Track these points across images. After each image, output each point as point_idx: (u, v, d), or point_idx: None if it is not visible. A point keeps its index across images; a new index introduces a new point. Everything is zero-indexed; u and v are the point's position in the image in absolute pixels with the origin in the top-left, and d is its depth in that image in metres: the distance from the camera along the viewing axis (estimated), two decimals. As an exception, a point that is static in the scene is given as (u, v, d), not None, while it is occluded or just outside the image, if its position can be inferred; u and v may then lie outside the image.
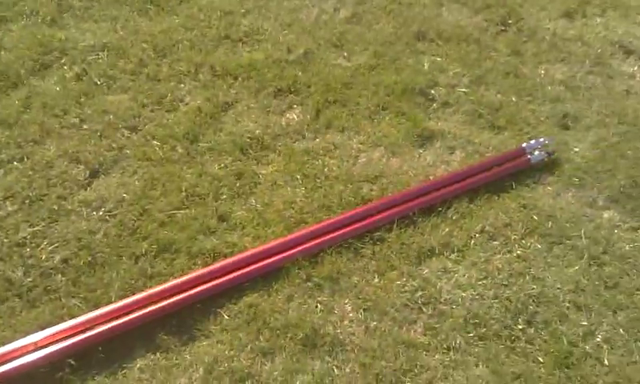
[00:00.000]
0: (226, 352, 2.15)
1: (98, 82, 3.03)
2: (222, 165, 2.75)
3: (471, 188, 2.73)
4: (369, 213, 2.57)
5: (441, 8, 3.79)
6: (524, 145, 2.90)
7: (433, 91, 3.22)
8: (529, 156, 2.86)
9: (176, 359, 2.13)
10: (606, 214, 2.70)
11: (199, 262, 2.39)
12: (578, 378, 2.16)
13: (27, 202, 2.52)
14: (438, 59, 3.41)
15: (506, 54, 3.48)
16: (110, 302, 2.22)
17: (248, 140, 2.86)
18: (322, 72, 3.24)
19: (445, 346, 2.24)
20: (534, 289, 2.41)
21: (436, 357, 2.21)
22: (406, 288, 2.38)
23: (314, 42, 3.42)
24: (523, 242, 2.58)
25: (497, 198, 2.73)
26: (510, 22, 3.71)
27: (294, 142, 2.90)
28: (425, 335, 2.26)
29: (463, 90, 3.25)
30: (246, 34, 3.42)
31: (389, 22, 3.62)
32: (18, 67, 3.04)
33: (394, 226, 2.54)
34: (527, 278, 2.46)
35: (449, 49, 3.49)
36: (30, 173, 2.62)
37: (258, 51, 3.33)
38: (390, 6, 3.73)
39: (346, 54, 3.41)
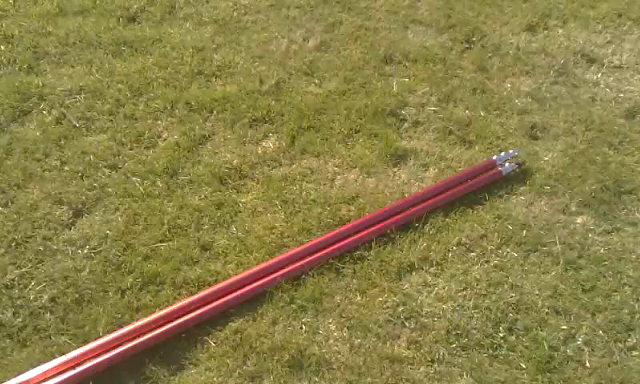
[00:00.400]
0: (214, 379, 2.19)
1: (77, 124, 3.08)
2: (202, 196, 2.80)
3: (446, 202, 2.81)
4: (348, 233, 2.64)
5: (406, 31, 3.90)
6: (494, 157, 2.98)
7: (403, 111, 3.31)
8: (500, 168, 2.94)
9: (165, 390, 2.17)
10: (579, 219, 2.78)
11: (184, 292, 2.44)
12: (561, 382, 2.22)
13: (13, 244, 2.56)
14: (406, 80, 3.51)
15: (472, 71, 3.59)
16: (99, 337, 2.25)
17: (226, 170, 2.92)
18: (295, 100, 3.33)
19: (429, 358, 2.29)
20: (512, 297, 2.47)
21: (421, 369, 2.26)
22: (388, 304, 2.44)
23: (285, 72, 3.51)
24: (499, 251, 2.65)
25: (471, 210, 2.81)
26: (474, 39, 3.82)
27: (272, 170, 2.97)
28: (408, 349, 2.32)
29: (432, 108, 3.34)
30: (218, 69, 3.50)
31: (357, 48, 3.72)
32: (-2, 115, 3.10)
33: (373, 244, 2.61)
34: (505, 286, 2.52)
35: (416, 69, 3.59)
36: (15, 216, 2.65)
37: (232, 84, 3.41)
38: (357, 32, 3.83)
39: (317, 81, 3.50)
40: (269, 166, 2.99)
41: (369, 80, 3.49)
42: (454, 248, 2.65)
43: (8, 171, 2.84)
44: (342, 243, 2.60)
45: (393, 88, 3.44)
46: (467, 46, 3.81)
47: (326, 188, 2.89)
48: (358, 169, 2.99)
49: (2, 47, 3.52)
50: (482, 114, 3.32)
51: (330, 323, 2.38)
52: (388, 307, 2.43)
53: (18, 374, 2.13)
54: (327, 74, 3.53)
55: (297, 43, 3.72)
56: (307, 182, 2.92)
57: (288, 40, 3.73)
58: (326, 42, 3.74)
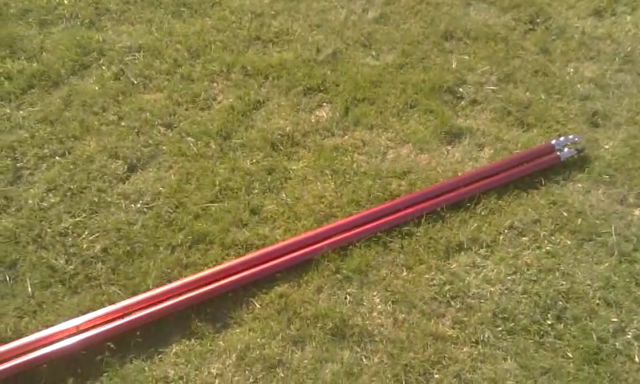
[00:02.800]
0: (258, 340, 2.21)
1: (135, 82, 3.13)
2: (254, 160, 2.82)
3: (500, 184, 2.75)
4: (397, 208, 2.61)
5: (468, 7, 3.81)
6: (553, 141, 2.91)
7: (461, 89, 3.24)
8: (558, 153, 2.86)
9: (210, 345, 2.20)
10: (636, 211, 2.69)
11: (232, 253, 2.46)
12: (608, 375, 2.17)
13: (69, 194, 2.62)
14: (466, 58, 3.43)
15: (534, 53, 3.49)
16: (148, 290, 2.30)
17: (279, 136, 2.92)
18: (351, 71, 3.29)
19: (473, 339, 2.27)
20: (563, 285, 2.43)
21: (464, 350, 2.24)
22: (435, 282, 2.42)
23: (342, 42, 3.48)
24: (552, 238, 2.60)
25: (526, 194, 2.75)
26: (538, 20, 3.71)
27: (324, 139, 2.96)
28: (453, 328, 2.30)
29: (491, 87, 3.27)
30: (276, 35, 3.49)
31: (416, 22, 3.65)
32: (59, 67, 3.15)
33: (423, 220, 2.58)
34: (557, 274, 2.47)
35: (477, 47, 3.51)
36: (72, 167, 2.71)
37: (288, 51, 3.39)
38: (418, 6, 3.76)
39: (374, 53, 3.45)
40: (321, 135, 2.97)
41: (427, 55, 3.43)
42: (506, 231, 2.61)
43: (66, 122, 2.90)
44: (391, 217, 2.57)
45: (452, 65, 3.37)
46: (531, 26, 3.69)
47: (378, 161, 2.86)
48: (411, 144, 2.95)
49: (65, 1, 3.57)
50: (543, 96, 3.23)
51: (375, 296, 2.37)
52: (434, 285, 2.41)
53: (69, 319, 2.20)
54: (385, 47, 3.47)
55: (356, 14, 3.67)
56: (359, 153, 2.89)
57: (347, 10, 3.68)
58: (386, 15, 3.68)
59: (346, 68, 3.31)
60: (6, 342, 2.12)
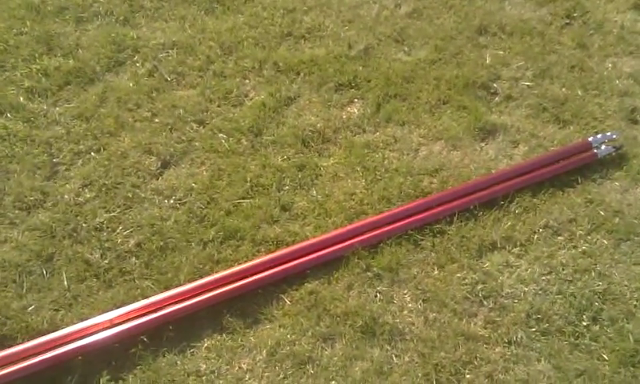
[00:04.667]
0: (288, 336, 2.22)
1: (168, 78, 3.15)
2: (285, 157, 2.82)
3: (535, 182, 2.71)
4: (429, 205, 2.59)
5: (503, 2, 3.74)
6: (590, 139, 2.85)
7: (495, 85, 3.19)
8: (595, 150, 2.80)
9: (241, 341, 2.21)
10: (676, 211, 2.62)
11: (263, 250, 2.47)
12: (645, 378, 2.13)
13: (104, 189, 2.66)
14: (501, 53, 3.38)
15: (571, 48, 3.41)
16: (180, 285, 2.32)
17: (310, 133, 2.92)
18: (383, 67, 3.27)
19: (506, 339, 2.24)
20: (599, 285, 2.38)
21: (497, 350, 2.22)
22: (467, 281, 2.40)
23: (374, 38, 3.45)
24: (589, 237, 2.55)
25: (561, 192, 2.70)
26: (575, 15, 3.63)
27: (355, 135, 2.94)
28: (485, 328, 2.28)
29: (527, 83, 3.21)
30: (308, 31, 3.48)
31: (450, 17, 3.61)
32: (94, 64, 3.20)
33: (455, 218, 2.55)
34: (593, 274, 2.43)
35: (512, 42, 3.45)
36: (106, 163, 2.75)
37: (320, 47, 3.38)
38: (452, 0, 3.70)
39: (406, 48, 3.42)
40: (352, 131, 2.96)
41: (461, 50, 3.38)
42: (541, 230, 2.56)
43: (101, 119, 2.94)
44: (423, 215, 2.55)
45: (486, 60, 3.32)
46: (567, 21, 3.62)
47: (409, 158, 2.84)
48: (443, 141, 2.92)
49: (101, -2, 3.63)
50: (580, 92, 3.16)
51: (406, 294, 2.36)
52: (466, 284, 2.39)
53: (103, 312, 2.24)
54: (417, 42, 3.44)
55: (388, 9, 3.63)
56: (390, 150, 2.87)
57: (379, 5, 3.65)
58: (419, 10, 3.64)
59: (378, 64, 3.28)
60: (43, 334, 2.16)
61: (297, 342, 2.21)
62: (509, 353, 2.21)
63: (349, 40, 3.41)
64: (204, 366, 2.15)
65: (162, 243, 2.47)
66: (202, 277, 2.36)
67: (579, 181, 2.73)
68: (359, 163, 2.79)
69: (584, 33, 3.51)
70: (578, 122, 3.01)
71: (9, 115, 2.94)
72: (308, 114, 3.02)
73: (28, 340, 2.16)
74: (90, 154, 2.80)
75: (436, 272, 2.42)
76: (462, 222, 2.56)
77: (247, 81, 3.19)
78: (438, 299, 2.33)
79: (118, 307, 2.25)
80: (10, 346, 2.13)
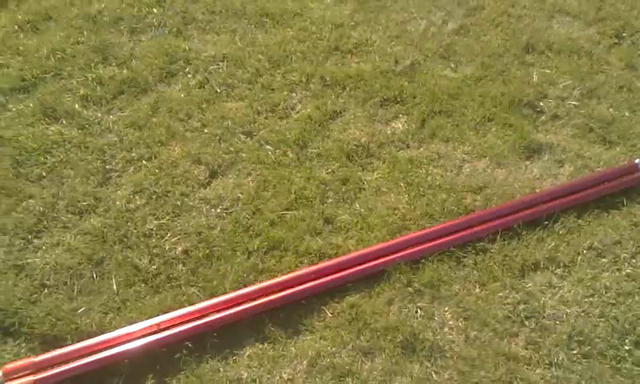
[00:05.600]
0: (329, 348, 2.25)
1: (218, 90, 3.24)
2: (329, 170, 2.86)
3: (580, 203, 2.70)
4: (472, 223, 2.60)
5: (551, 20, 3.73)
6: (637, 161, 2.81)
7: (541, 103, 3.19)
8: (642, 173, 2.77)
9: (282, 350, 2.25)
10: None
11: (305, 261, 2.51)
12: (688, 406, 2.10)
13: (154, 197, 2.74)
14: (548, 71, 3.36)
15: (619, 68, 3.38)
16: (225, 293, 2.38)
17: (354, 147, 2.96)
18: (429, 83, 3.29)
19: (547, 361, 2.24)
20: (643, 310, 2.36)
21: (537, 371, 2.21)
22: (509, 300, 2.39)
23: (420, 54, 3.48)
24: (633, 261, 2.53)
25: (606, 214, 2.68)
26: (624, 34, 3.59)
27: (399, 151, 2.97)
28: (526, 349, 2.27)
29: (574, 103, 3.19)
30: (355, 46, 3.53)
31: (497, 34, 3.61)
32: (147, 74, 3.30)
33: (498, 237, 2.55)
34: (637, 298, 2.40)
35: (559, 61, 3.44)
36: (157, 171, 2.84)
37: (366, 62, 3.42)
38: (499, 18, 3.71)
39: (452, 65, 3.44)
40: (396, 147, 2.99)
41: (507, 68, 3.38)
42: (585, 252, 2.55)
43: (153, 128, 3.04)
44: (466, 233, 2.56)
45: (533, 78, 3.31)
46: (616, 41, 3.59)
47: (453, 175, 2.85)
48: (488, 158, 2.92)
49: (155, 10, 3.73)
50: (627, 114, 3.12)
51: (446, 311, 2.37)
52: (508, 304, 2.38)
53: (150, 317, 2.30)
54: (464, 59, 3.45)
55: (435, 25, 3.66)
56: (434, 166, 2.89)
57: (427, 21, 3.68)
58: (466, 26, 3.65)
59: (424, 80, 3.30)
60: (92, 336, 2.24)
61: (337, 355, 2.24)
62: (549, 375, 2.20)
63: (395, 55, 3.45)
64: (245, 374, 2.20)
65: (208, 251, 2.54)
66: (245, 286, 2.41)
67: (624, 203, 2.71)
68: (403, 178, 2.82)
69: (633, 53, 3.47)
70: (624, 143, 2.98)
71: (64, 122, 3.06)
72: (353, 128, 3.06)
73: (77, 341, 2.24)
74: (141, 161, 2.89)
75: (478, 290, 2.42)
76: (505, 240, 2.56)
77: (294, 94, 3.25)
78: (479, 318, 2.33)
79: (164, 312, 2.32)
80: (60, 347, 2.21)
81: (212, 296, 2.38)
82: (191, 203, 2.73)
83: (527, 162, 2.92)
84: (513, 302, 2.38)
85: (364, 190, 2.79)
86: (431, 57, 3.46)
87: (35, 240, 2.59)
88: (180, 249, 2.55)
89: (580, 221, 2.64)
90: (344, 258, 2.48)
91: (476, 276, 2.46)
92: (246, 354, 2.25)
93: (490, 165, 2.90)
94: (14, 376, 2.11)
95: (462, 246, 2.53)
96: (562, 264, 2.50)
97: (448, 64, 3.44)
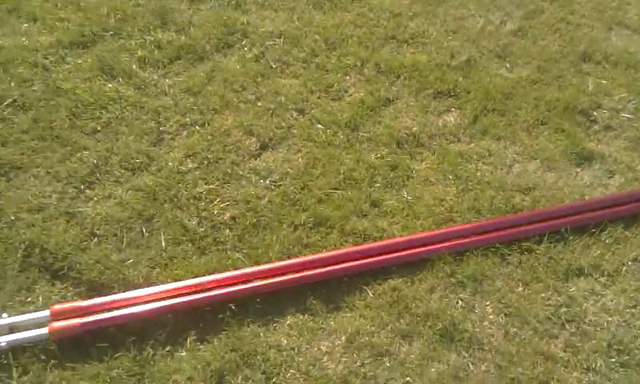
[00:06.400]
0: (368, 327, 2.27)
1: (274, 66, 3.27)
2: (379, 155, 2.87)
3: (628, 214, 2.67)
4: (519, 222, 2.59)
5: (610, 32, 3.70)
6: (690, 179, 2.79)
7: (595, 113, 3.17)
8: (694, 191, 2.74)
9: (322, 323, 2.27)
10: None
11: (350, 240, 2.53)
12: None
13: (205, 162, 2.78)
14: (604, 82, 3.34)
15: (677, 85, 3.35)
16: (269, 262, 2.41)
17: (405, 135, 2.97)
18: (483, 80, 3.29)
19: (584, 365, 2.23)
20: (684, 325, 2.34)
21: (574, 374, 2.20)
22: (551, 302, 2.39)
23: (477, 51, 3.47)
24: (678, 277, 2.51)
25: (655, 228, 2.66)
26: (684, 52, 3.55)
27: (449, 144, 2.97)
28: (565, 351, 2.26)
29: (628, 115, 3.16)
30: (411, 37, 3.54)
31: (555, 40, 3.59)
32: (205, 43, 3.34)
33: (544, 239, 2.55)
34: (679, 313, 2.38)
35: (615, 73, 3.41)
36: (210, 138, 2.88)
37: (422, 53, 3.43)
38: (558, 24, 3.69)
39: (508, 65, 3.43)
40: (447, 139, 2.99)
41: (563, 74, 3.36)
42: (630, 263, 2.53)
43: (208, 96, 3.08)
44: (513, 231, 2.56)
45: (588, 87, 3.29)
46: (675, 58, 3.54)
47: (502, 173, 2.85)
48: (538, 160, 2.92)
49: (215, -18, 3.78)
50: (682, 131, 3.09)
51: (488, 306, 2.37)
52: (550, 305, 2.38)
53: (195, 276, 2.34)
54: (520, 61, 3.44)
55: (493, 24, 3.65)
56: (484, 163, 2.89)
57: (485, 20, 3.67)
58: (524, 29, 3.64)
59: (479, 77, 3.30)
60: (138, 288, 2.28)
61: (376, 334, 2.25)
62: (586, 379, 2.19)
63: (452, 50, 3.45)
64: (285, 342, 2.22)
65: (255, 220, 2.57)
66: (289, 257, 2.44)
67: (674, 219, 2.69)
68: (452, 171, 2.82)
69: (692, 72, 3.43)
70: (678, 160, 2.96)
71: (121, 80, 3.11)
72: (405, 116, 3.07)
73: (124, 291, 2.29)
74: (194, 127, 2.93)
75: (520, 288, 2.42)
76: (551, 243, 2.55)
77: (348, 77, 3.26)
78: (521, 315, 2.33)
79: (209, 273, 2.35)
80: (106, 294, 2.26)
81: (256, 263, 2.40)
82: (241, 172, 2.76)
83: (578, 169, 2.90)
84: (555, 304, 2.38)
85: (412, 178, 2.80)
86: (487, 55, 3.46)
87: (87, 190, 2.64)
88: (228, 215, 2.58)
89: (627, 232, 2.62)
90: (390, 241, 2.50)
91: (520, 274, 2.46)
92: (287, 323, 2.27)
93: (540, 167, 2.89)
94: (61, 317, 2.16)
95: (507, 244, 2.53)
96: (606, 273, 2.49)
97: (504, 64, 3.43)
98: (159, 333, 2.19)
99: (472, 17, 3.69)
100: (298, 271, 2.37)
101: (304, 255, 2.45)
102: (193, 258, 2.44)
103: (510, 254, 2.51)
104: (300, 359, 2.18)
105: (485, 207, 2.68)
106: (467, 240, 2.52)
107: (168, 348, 2.16)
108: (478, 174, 2.83)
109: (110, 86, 3.06)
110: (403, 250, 2.47)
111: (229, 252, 2.46)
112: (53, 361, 2.10)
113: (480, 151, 2.94)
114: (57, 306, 2.19)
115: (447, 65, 3.36)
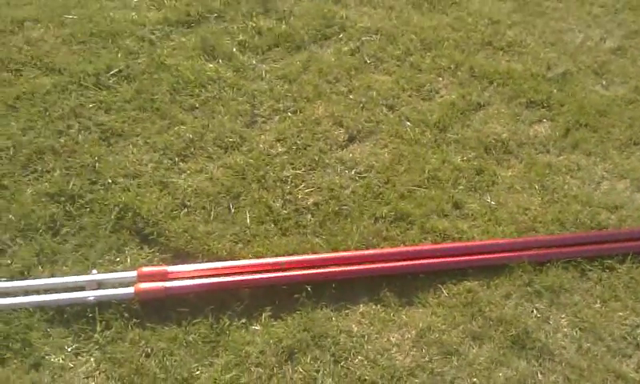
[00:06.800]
0: (439, 325, 2.30)
1: (368, 61, 3.34)
2: (465, 158, 2.89)
3: None
4: (604, 239, 2.56)
5: None
6: None
7: (695, 140, 3.05)
8: None
9: (393, 315, 2.32)
10: None
11: (429, 238, 2.57)
12: None
13: (294, 147, 2.89)
14: None
15: None
16: (348, 250, 2.48)
17: (493, 141, 2.97)
18: (578, 95, 3.23)
19: (656, 390, 2.18)
20: None
21: (644, 397, 2.16)
22: (627, 322, 2.34)
23: (574, 65, 3.42)
24: None
25: None
26: None
27: (538, 154, 2.95)
28: (637, 372, 2.21)
29: None
30: (508, 45, 3.52)
31: (658, 61, 3.48)
32: (303, 34, 3.46)
33: (628, 258, 2.49)
34: None
35: None
36: (300, 125, 2.99)
37: (517, 62, 3.41)
38: (662, 44, 3.58)
39: (604, 82, 3.36)
40: (536, 149, 2.97)
41: (662, 97, 3.26)
42: None
43: (302, 84, 3.19)
44: (597, 247, 2.52)
45: (687, 112, 3.18)
46: None
47: (590, 189, 2.80)
48: (628, 180, 2.85)
49: (317, -25, 3.88)
50: None
51: (563, 318, 2.35)
52: (626, 325, 2.33)
53: (276, 256, 2.45)
54: (617, 79, 3.36)
55: (593, 40, 3.58)
56: (572, 177, 2.85)
57: (584, 35, 3.61)
58: (624, 47, 3.55)
59: (574, 91, 3.25)
60: (221, 260, 2.41)
61: (446, 333, 2.28)
62: (657, 404, 2.15)
63: (548, 61, 3.41)
64: (356, 329, 2.29)
65: (337, 208, 2.65)
66: (367, 248, 2.50)
67: None
68: (538, 181, 2.80)
69: None
70: None
71: (221, 61, 3.27)
72: (495, 122, 3.07)
73: (207, 261, 2.42)
74: (287, 113, 3.04)
75: (598, 305, 2.38)
76: (633, 263, 2.49)
77: (441, 79, 3.29)
78: (595, 331, 2.30)
79: (289, 254, 2.45)
80: (191, 263, 2.39)
81: (335, 250, 2.48)
82: (327, 161, 2.85)
83: (670, 194, 2.82)
84: (632, 324, 2.33)
85: (497, 184, 2.80)
86: (584, 70, 3.39)
87: (181, 163, 2.81)
88: (311, 200, 2.68)
89: None
90: (469, 243, 2.52)
91: (598, 291, 2.42)
92: (359, 311, 2.34)
93: (629, 187, 2.82)
94: (147, 279, 2.31)
95: (589, 259, 2.49)
96: (690, 302, 2.42)
97: (600, 81, 3.36)
98: (237, 305, 2.30)
99: (571, 31, 3.63)
100: (374, 262, 2.43)
101: (382, 247, 2.51)
102: (274, 237, 2.54)
103: (590, 270, 2.47)
104: (369, 347, 2.24)
105: (569, 220, 2.65)
106: (549, 251, 2.51)
107: (243, 320, 2.27)
108: (565, 186, 2.79)
109: (211, 66, 3.23)
110: (482, 253, 2.49)
111: (309, 236, 2.55)
112: (135, 319, 2.24)
113: (569, 165, 2.90)
114: (144, 269, 2.34)
115: (542, 76, 3.33)
